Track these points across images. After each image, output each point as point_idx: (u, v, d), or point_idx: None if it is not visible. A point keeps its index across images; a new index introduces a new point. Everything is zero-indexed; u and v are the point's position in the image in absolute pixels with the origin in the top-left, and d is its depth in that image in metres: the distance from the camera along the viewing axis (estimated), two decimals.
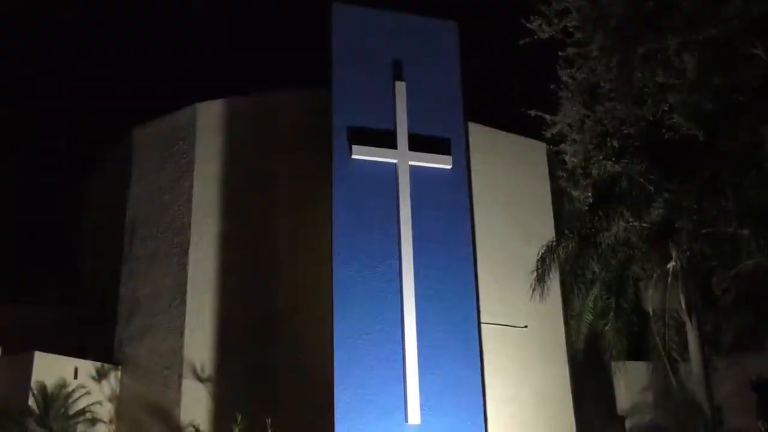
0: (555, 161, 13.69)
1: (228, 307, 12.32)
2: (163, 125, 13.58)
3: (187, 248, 12.53)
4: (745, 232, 11.30)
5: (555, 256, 11.84)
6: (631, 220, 11.94)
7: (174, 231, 12.82)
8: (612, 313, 11.99)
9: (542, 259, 11.92)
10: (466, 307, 11.45)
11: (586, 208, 12.81)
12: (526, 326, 13.32)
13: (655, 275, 11.92)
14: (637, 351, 12.92)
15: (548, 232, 13.49)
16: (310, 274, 12.10)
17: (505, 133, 14.36)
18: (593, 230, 12.10)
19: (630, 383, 13.90)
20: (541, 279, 11.79)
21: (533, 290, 11.75)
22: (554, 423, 13.04)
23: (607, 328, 11.93)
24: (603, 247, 12.01)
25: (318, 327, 11.35)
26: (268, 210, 12.67)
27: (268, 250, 12.48)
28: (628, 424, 14.27)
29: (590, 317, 12.08)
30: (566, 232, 12.46)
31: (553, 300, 12.93)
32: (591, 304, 12.09)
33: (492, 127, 14.22)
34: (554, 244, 12.10)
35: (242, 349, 12.03)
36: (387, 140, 11.75)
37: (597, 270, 12.11)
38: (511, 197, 14.09)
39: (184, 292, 12.33)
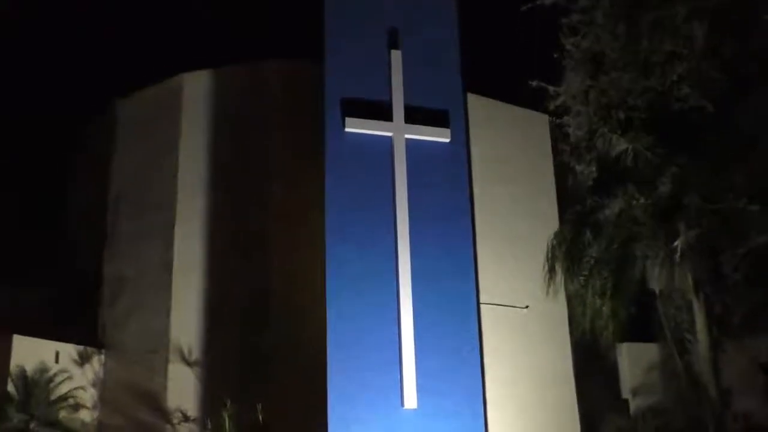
0: (558, 135, 13.52)
1: (216, 287, 12.34)
2: (148, 97, 13.51)
3: (173, 225, 12.50)
4: (756, 208, 11.21)
5: (563, 242, 11.79)
6: (636, 195, 11.81)
7: (159, 207, 12.77)
8: (614, 293, 11.84)
9: (552, 248, 11.88)
10: (464, 287, 11.45)
11: (590, 183, 12.76)
12: (527, 307, 13.35)
13: (661, 254, 11.73)
14: (642, 332, 12.95)
15: (551, 209, 13.54)
16: (303, 252, 12.09)
17: (506, 105, 14.35)
18: (597, 206, 11.97)
19: (635, 365, 14.06)
20: (552, 271, 11.75)
21: (547, 284, 11.72)
22: (556, 406, 13.13)
23: (609, 308, 11.85)
24: (608, 224, 11.88)
25: (311, 308, 11.33)
26: (259, 186, 12.64)
27: (259, 228, 12.47)
28: (632, 406, 14.35)
29: (593, 297, 11.91)
30: (570, 209, 12.40)
31: (555, 281, 12.42)
32: (595, 284, 11.88)
33: (492, 99, 14.20)
34: (561, 230, 12.07)
35: (232, 331, 12.05)
36: (382, 112, 11.69)
37: (601, 248, 11.90)
38: (513, 172, 14.11)
39: (171, 272, 12.32)
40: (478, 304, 11.82)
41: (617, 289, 11.68)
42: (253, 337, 11.86)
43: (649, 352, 13.52)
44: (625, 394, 14.54)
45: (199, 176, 12.73)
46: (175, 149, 12.82)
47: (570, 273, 12.02)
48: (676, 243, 11.58)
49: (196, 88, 13.13)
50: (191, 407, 11.61)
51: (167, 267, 12.36)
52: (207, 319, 12.16)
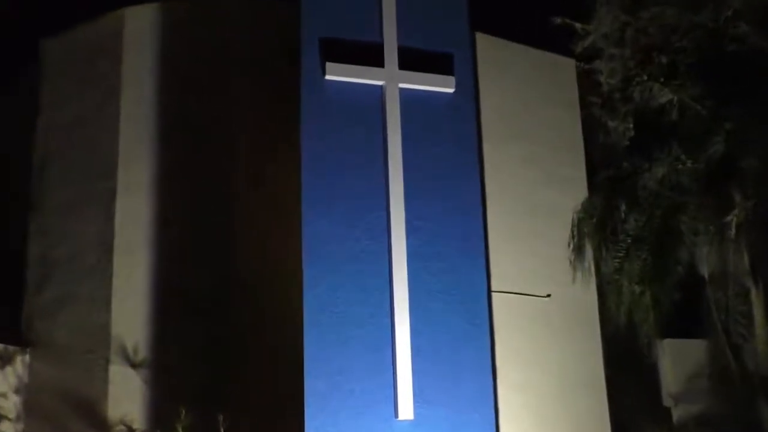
0: (587, 83, 13.61)
1: (168, 271, 12.28)
2: (81, 37, 13.34)
3: (115, 194, 12.40)
4: None
5: (592, 214, 11.96)
6: (682, 157, 11.89)
7: (97, 172, 12.65)
8: (656, 277, 11.97)
9: (579, 222, 11.98)
10: (472, 271, 11.37)
11: (626, 142, 12.73)
12: (548, 295, 13.35)
13: (712, 229, 11.86)
14: (688, 326, 13.14)
15: (578, 174, 13.57)
16: (275, 229, 12.07)
17: (523, 46, 14.32)
18: (635, 171, 12.09)
19: (679, 366, 14.24)
20: (579, 251, 11.88)
21: (574, 267, 11.83)
22: (584, 416, 13.19)
23: (650, 296, 11.84)
24: (646, 194, 12.02)
25: (284, 296, 11.35)
26: (221, 147, 12.62)
27: (221, 198, 12.46)
28: (675, 415, 14.58)
29: (630, 283, 12.05)
30: (601, 174, 12.45)
31: (583, 262, 12.72)
32: (632, 266, 12.05)
33: (506, 40, 14.18)
34: (590, 199, 12.21)
35: (187, 325, 12.01)
36: (371, 56, 11.59)
37: (637, 224, 12.12)
38: (531, 129, 14.08)
39: (111, 252, 12.22)
40: (489, 292, 11.83)
41: (659, 273, 11.70)
42: (214, 332, 11.85)
43: (696, 350, 13.58)
44: (667, 400, 14.70)
45: (147, 134, 12.62)
46: (116, 101, 12.66)
47: (602, 253, 12.16)
48: (729, 216, 11.61)
49: (140, 25, 12.98)
50: (137, 418, 11.58)
51: (107, 246, 12.24)
52: (157, 311, 12.09)
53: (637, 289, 12.03)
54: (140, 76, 12.82)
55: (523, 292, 13.13)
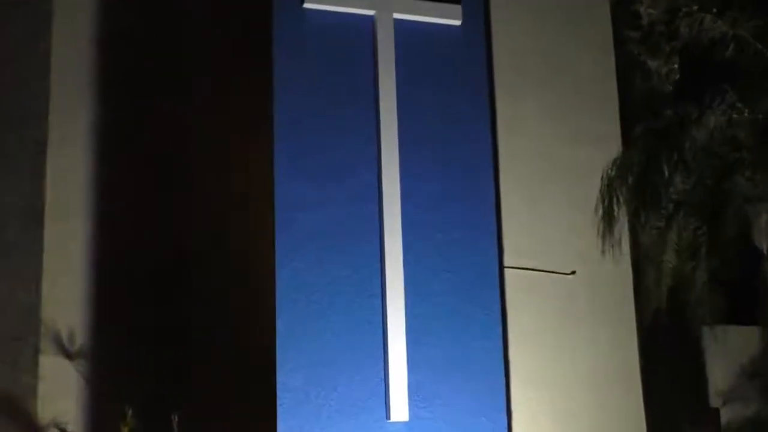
0: (623, 15, 13.47)
1: (111, 243, 12.17)
2: None
3: (45, 149, 12.25)
4: None
5: (629, 173, 12.22)
6: (738, 105, 12.07)
7: (23, 122, 12.53)
8: (705, 252, 12.26)
9: (611, 183, 11.98)
10: (481, 243, 11.24)
11: (670, 87, 12.74)
12: (573, 272, 13.27)
13: None
14: (740, 311, 13.44)
15: (611, 126, 13.46)
16: (241, 192, 12.06)
17: None
18: (679, 123, 12.35)
19: (730, 358, 14.23)
20: (609, 220, 12.15)
21: (602, 236, 12.03)
22: (615, 416, 13.18)
23: (700, 273, 11.83)
24: (694, 150, 12.28)
25: (253, 273, 11.36)
26: (174, 92, 12.51)
27: (174, 155, 12.39)
28: (724, 417, 14.59)
29: (674, 257, 12.38)
30: (639, 126, 12.34)
31: (615, 232, 13.06)
32: (674, 239, 12.42)
33: None
34: (626, 155, 12.34)
35: (134, 307, 11.96)
36: None
37: (683, 186, 12.46)
38: (555, 71, 14.00)
39: (41, 219, 12.08)
40: (502, 268, 11.76)
41: (717, 246, 11.71)
42: (167, 316, 11.85)
43: (749, 339, 13.66)
44: (714, 400, 14.75)
45: (83, 77, 12.50)
46: (46, 35, 12.48)
47: (640, 220, 12.19)
48: None
49: None
50: (73, 418, 11.48)
51: (36, 213, 12.11)
52: (97, 291, 12.00)
53: (683, 263, 12.09)
54: (77, 4, 12.68)
55: (542, 269, 13.11)
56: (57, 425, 11.32)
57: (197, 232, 12.20)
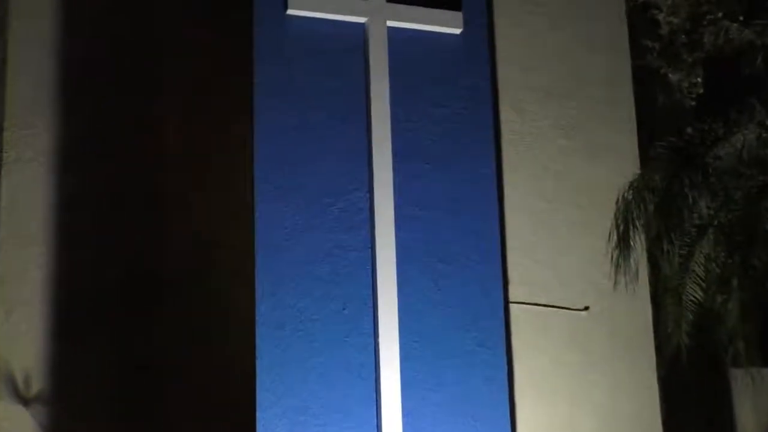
0: (641, 22, 13.44)
1: (74, 270, 12.03)
2: None
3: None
4: None
5: (647, 195, 12.14)
6: None
7: None
8: (737, 284, 12.21)
9: (628, 206, 11.98)
10: (483, 275, 11.23)
11: (693, 102, 12.73)
12: (586, 308, 13.23)
13: None
14: None
15: (628, 143, 13.47)
16: (218, 214, 12.04)
17: None
18: (703, 141, 12.43)
19: (761, 404, 14.06)
20: (625, 248, 12.03)
21: (615, 266, 11.95)
22: None
23: (727, 308, 11.99)
24: (720, 170, 12.33)
25: (232, 304, 11.34)
26: (144, 104, 12.47)
27: (145, 172, 12.34)
28: None
29: (697, 290, 12.31)
30: (658, 143, 12.40)
31: (632, 262, 12.96)
32: (699, 267, 12.38)
33: None
34: (645, 175, 12.29)
35: (101, 342, 11.82)
36: None
37: (709, 209, 12.41)
38: (565, 83, 14.01)
39: None
40: (507, 303, 11.80)
41: (750, 276, 11.74)
42: (137, 351, 11.75)
43: None
44: None
45: (44, 83, 12.41)
46: (2, 40, 12.43)
47: (661, 247, 12.15)
48: None
49: None
50: None
51: None
52: (58, 325, 11.82)
53: (711, 296, 12.22)
54: (35, 8, 12.59)
55: (552, 304, 13.05)
56: None
57: (172, 258, 12.13)
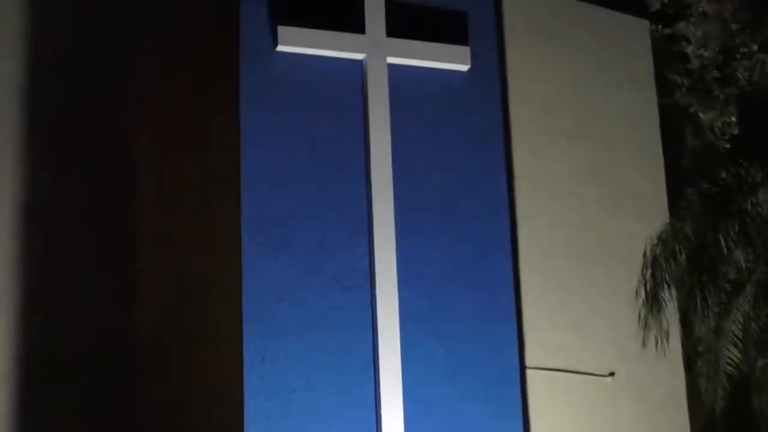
0: (668, 56, 13.41)
1: (31, 327, 11.87)
2: None
3: None
4: None
5: (678, 247, 12.05)
6: None
7: None
8: None
9: (653, 264, 11.98)
10: (497, 337, 11.18)
11: (726, 143, 12.67)
12: (611, 374, 13.27)
13: None
14: None
15: (654, 189, 13.67)
16: (200, 267, 11.96)
17: (573, 1, 14.41)
18: (740, 186, 12.42)
19: None
20: (654, 307, 11.97)
21: (644, 326, 11.90)
22: None
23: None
24: (758, 219, 12.37)
25: (216, 369, 11.35)
26: (121, 141, 12.48)
27: (117, 222, 12.29)
28: None
29: (735, 352, 12.31)
30: (689, 189, 12.48)
31: (663, 321, 12.88)
32: (736, 327, 12.36)
33: None
34: (675, 224, 12.21)
35: (65, 411, 11.69)
36: (346, 16, 11.49)
37: (747, 262, 12.39)
38: (586, 124, 14.12)
39: None
40: (524, 368, 11.78)
41: None
42: (107, 424, 11.65)
43: None
44: None
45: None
46: None
47: (695, 305, 12.09)
48: None
49: None
50: None
51: None
52: (15, 391, 11.65)
53: (752, 359, 12.18)
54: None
55: (573, 369, 13.04)
56: None
57: (144, 315, 12.04)
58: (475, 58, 11.71)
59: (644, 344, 12.10)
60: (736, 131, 12.80)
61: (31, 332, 12.04)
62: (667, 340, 12.30)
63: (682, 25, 12.83)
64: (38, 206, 12.38)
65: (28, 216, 12.30)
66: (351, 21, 11.42)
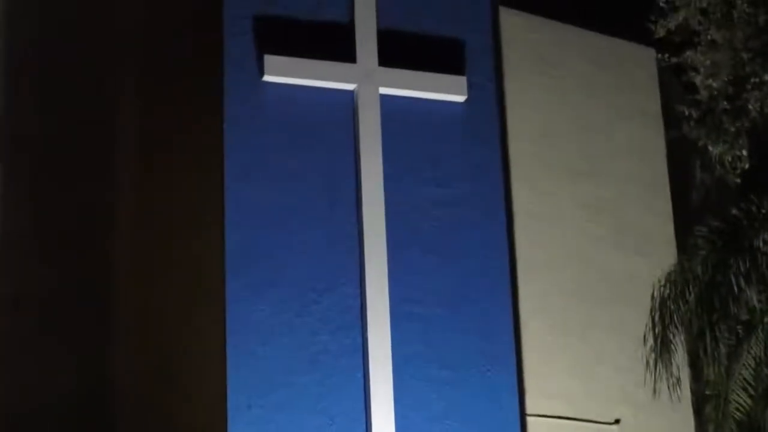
0: (674, 86, 13.45)
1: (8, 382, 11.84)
2: None
3: None
4: None
5: (686, 287, 12.11)
6: None
7: None
8: None
9: (661, 305, 12.03)
10: (496, 384, 11.20)
11: (737, 178, 12.62)
12: (617, 422, 13.30)
13: None
14: None
15: (662, 226, 13.78)
16: (181, 312, 11.95)
17: (575, 29, 14.47)
18: (751, 223, 12.41)
19: None
20: (664, 351, 12.02)
21: (654, 371, 11.93)
22: None
23: None
24: None
25: (195, 420, 11.29)
26: (106, 167, 12.61)
27: (96, 266, 12.31)
28: None
29: (744, 398, 12.26)
30: (697, 227, 12.41)
31: (672, 366, 12.77)
32: (747, 371, 12.30)
33: (550, 19, 14.37)
34: (683, 263, 12.21)
35: None
36: (336, 45, 11.60)
37: (759, 302, 12.33)
38: (588, 159, 14.19)
39: None
40: (524, 416, 11.69)
41: None
42: None
43: None
44: None
45: None
46: None
47: (702, 346, 12.09)
48: None
49: None
50: None
51: None
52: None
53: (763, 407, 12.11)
54: None
55: (577, 417, 13.05)
56: None
57: (118, 360, 12.08)
58: (471, 89, 11.77)
59: (655, 392, 12.07)
60: (746, 165, 12.74)
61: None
62: (679, 386, 12.30)
63: (689, 54, 12.77)
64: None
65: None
66: (341, 49, 11.50)
